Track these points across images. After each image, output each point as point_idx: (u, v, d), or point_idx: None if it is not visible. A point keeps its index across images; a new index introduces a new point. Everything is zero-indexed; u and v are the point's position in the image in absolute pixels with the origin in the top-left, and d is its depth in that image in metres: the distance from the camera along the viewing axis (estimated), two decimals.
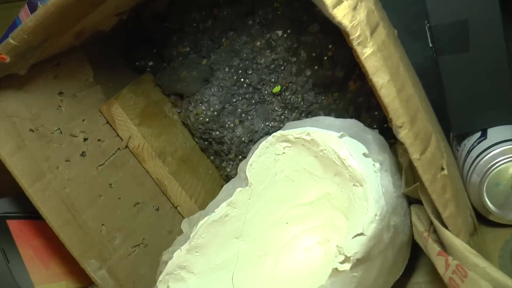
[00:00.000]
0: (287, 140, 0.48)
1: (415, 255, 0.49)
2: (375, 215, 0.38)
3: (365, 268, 0.39)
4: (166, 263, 0.47)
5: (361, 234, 0.38)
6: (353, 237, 0.38)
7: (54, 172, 0.48)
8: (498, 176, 0.44)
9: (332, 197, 0.49)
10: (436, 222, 0.35)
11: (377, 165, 0.41)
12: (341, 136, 0.43)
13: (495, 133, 0.46)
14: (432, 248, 0.35)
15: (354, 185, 0.42)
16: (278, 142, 0.48)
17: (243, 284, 0.50)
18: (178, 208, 0.59)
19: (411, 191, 0.41)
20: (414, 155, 0.32)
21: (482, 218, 0.46)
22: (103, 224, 0.50)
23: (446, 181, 0.34)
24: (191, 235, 0.48)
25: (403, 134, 0.32)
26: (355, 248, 0.38)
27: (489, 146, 0.45)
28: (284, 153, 0.49)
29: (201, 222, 0.48)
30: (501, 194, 0.44)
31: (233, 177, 0.53)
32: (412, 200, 0.45)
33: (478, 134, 0.47)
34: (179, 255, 0.47)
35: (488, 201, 0.45)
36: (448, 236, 0.33)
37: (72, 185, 0.49)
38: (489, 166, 0.44)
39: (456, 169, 0.45)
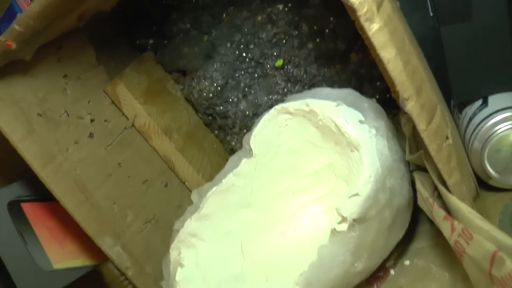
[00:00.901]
0: (288, 112, 0.49)
1: (418, 220, 0.51)
2: (370, 176, 0.40)
3: (363, 229, 0.40)
4: (178, 231, 0.49)
5: (357, 194, 0.39)
6: (349, 198, 0.40)
7: (64, 155, 0.49)
8: (499, 142, 0.45)
9: (334, 166, 0.51)
10: (442, 188, 0.36)
11: (373, 131, 0.43)
12: (337, 105, 0.45)
13: (496, 100, 0.47)
14: (437, 213, 0.37)
15: (351, 150, 0.44)
16: (280, 114, 0.50)
17: (252, 251, 0.52)
18: (185, 183, 0.60)
19: (415, 159, 0.42)
20: (421, 126, 0.33)
21: (483, 184, 0.47)
22: (114, 203, 0.51)
23: (451, 150, 0.35)
24: (201, 205, 0.50)
25: (410, 106, 0.33)
26: (351, 208, 0.39)
27: (490, 114, 0.46)
28: (286, 125, 0.51)
29: (210, 193, 0.50)
30: (501, 160, 0.45)
31: (238, 150, 0.54)
32: (413, 166, 0.46)
33: (480, 101, 0.48)
34: (189, 224, 0.49)
35: (489, 166, 0.46)
36: (454, 201, 0.34)
37: (82, 166, 0.50)
38: (490, 133, 0.45)
39: (458, 137, 0.46)
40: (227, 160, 0.54)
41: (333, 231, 0.40)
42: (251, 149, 0.51)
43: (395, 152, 0.43)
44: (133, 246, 0.50)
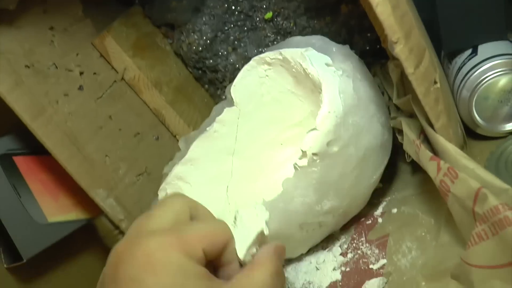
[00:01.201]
0: (266, 63, 0.51)
1: (406, 170, 0.52)
2: (329, 111, 0.40)
3: (326, 165, 0.41)
4: (166, 175, 0.50)
5: (315, 129, 0.40)
6: (307, 132, 0.40)
7: (54, 107, 0.49)
8: (487, 90, 0.45)
9: (316, 115, 0.52)
10: (430, 130, 0.37)
11: (339, 72, 0.44)
12: (305, 51, 0.46)
13: (485, 49, 0.47)
14: (424, 154, 0.37)
15: (319, 92, 0.44)
16: (259, 65, 0.52)
17: (236, 197, 0.53)
18: (176, 136, 0.60)
19: (403, 103, 0.43)
20: (409, 69, 0.33)
21: (470, 133, 0.48)
22: (106, 155, 0.51)
23: (439, 94, 0.35)
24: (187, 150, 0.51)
25: (399, 49, 0.33)
26: (309, 143, 0.40)
27: (479, 62, 0.46)
28: (267, 75, 0.52)
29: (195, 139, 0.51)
30: (489, 107, 0.46)
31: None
32: (396, 113, 0.47)
33: (469, 51, 0.48)
34: (176, 167, 0.50)
35: (476, 115, 0.46)
36: (441, 141, 0.35)
37: (73, 119, 0.50)
38: (479, 81, 0.45)
39: (447, 84, 0.47)
40: None
41: (295, 166, 0.41)
42: (232, 98, 0.52)
43: (363, 93, 0.43)
44: (126, 199, 0.51)
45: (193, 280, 0.31)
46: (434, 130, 0.36)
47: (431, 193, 0.46)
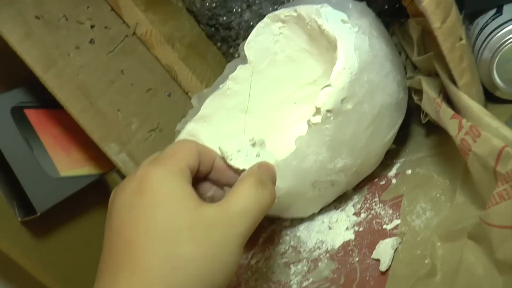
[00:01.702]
0: (281, 20, 0.50)
1: (419, 132, 0.51)
2: (344, 68, 0.40)
3: (339, 122, 0.40)
4: (179, 132, 0.50)
5: (329, 85, 0.40)
6: (321, 89, 0.40)
7: (65, 59, 0.48)
8: (510, 52, 0.44)
9: (330, 73, 0.51)
10: (453, 87, 0.36)
11: (355, 28, 0.43)
12: (321, 7, 0.45)
13: (511, 9, 0.45)
14: (445, 112, 0.36)
15: (333, 50, 0.43)
16: (273, 22, 0.51)
17: None
18: (188, 93, 0.59)
19: (423, 60, 0.42)
20: (435, 24, 0.32)
21: (489, 96, 0.47)
22: (118, 110, 0.51)
23: (464, 51, 0.34)
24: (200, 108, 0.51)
25: (426, 3, 0.32)
26: (323, 99, 0.40)
27: (503, 22, 0.44)
28: (281, 33, 0.51)
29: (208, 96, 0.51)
30: (510, 70, 0.45)
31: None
32: (413, 73, 0.47)
33: (493, 11, 0.46)
34: (189, 125, 0.50)
35: (497, 77, 0.45)
36: (464, 99, 0.34)
37: (85, 72, 0.49)
38: (502, 42, 0.44)
39: (469, 45, 0.45)
40: None
41: (309, 123, 0.41)
42: (245, 56, 0.51)
43: (379, 50, 0.43)
44: (138, 154, 0.51)
45: (181, 196, 0.32)
46: (457, 88, 0.35)
47: (446, 154, 0.45)
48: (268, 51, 0.51)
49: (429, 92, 0.40)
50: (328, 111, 0.40)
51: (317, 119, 0.40)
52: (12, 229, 0.51)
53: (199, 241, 0.31)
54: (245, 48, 0.50)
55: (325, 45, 0.47)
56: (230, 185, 0.40)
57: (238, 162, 0.39)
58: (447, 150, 0.46)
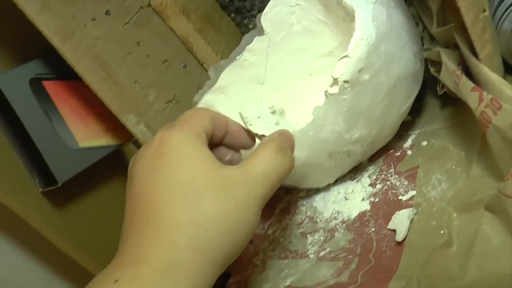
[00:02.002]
0: None
1: (434, 104, 0.51)
2: (361, 39, 0.39)
3: (356, 93, 0.41)
4: (196, 103, 0.50)
5: (347, 56, 0.40)
6: (339, 59, 0.40)
7: (82, 31, 0.48)
8: None
9: (346, 44, 0.50)
10: (473, 59, 0.35)
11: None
12: None
13: None
14: (465, 85, 0.36)
15: (350, 21, 0.43)
16: None
17: None
18: (204, 64, 0.59)
19: (443, 32, 0.42)
20: None
21: (508, 68, 0.47)
22: (136, 81, 0.51)
23: (487, 23, 0.34)
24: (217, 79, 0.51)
25: None
26: (341, 70, 0.40)
27: None
28: (297, 4, 0.51)
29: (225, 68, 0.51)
30: None
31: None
32: (429, 44, 0.46)
33: None
34: (206, 95, 0.50)
35: None
36: (486, 71, 0.34)
37: (101, 43, 0.49)
38: None
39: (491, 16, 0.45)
40: None
41: (326, 94, 0.41)
42: (262, 27, 0.51)
43: (396, 20, 0.42)
44: (155, 125, 0.51)
45: (201, 157, 0.32)
46: (478, 60, 0.35)
47: (462, 126, 0.45)
48: (284, 23, 0.51)
49: (448, 64, 0.40)
50: (345, 81, 0.40)
51: (335, 89, 0.40)
52: (33, 199, 0.52)
53: (220, 201, 0.32)
54: (261, 19, 0.50)
55: (342, 16, 0.46)
56: (245, 148, 0.41)
57: (257, 128, 0.39)
58: (462, 122, 0.46)
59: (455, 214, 0.37)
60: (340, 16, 0.47)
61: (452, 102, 0.48)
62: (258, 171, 0.34)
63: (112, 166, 0.61)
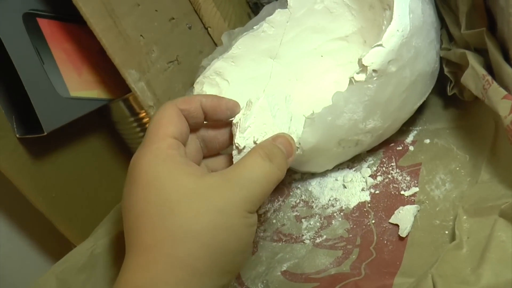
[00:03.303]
0: None
1: (436, 103, 0.51)
2: (397, 30, 0.39)
3: (381, 83, 0.40)
4: (204, 68, 0.48)
5: (380, 45, 0.39)
6: (372, 47, 0.39)
7: None
8: None
9: (365, 32, 0.51)
10: (506, 66, 0.35)
11: None
12: None
13: None
14: (495, 91, 0.36)
15: (384, 9, 0.42)
16: None
17: None
18: (209, 29, 0.56)
19: (472, 34, 0.41)
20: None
21: None
22: (141, 35, 0.47)
23: None
24: (230, 46, 0.49)
25: None
26: (372, 58, 0.39)
27: None
28: None
29: (240, 36, 0.49)
30: None
31: (263, 5, 0.54)
32: (447, 45, 0.46)
33: None
34: (216, 62, 0.48)
35: None
36: None
37: None
38: None
39: None
40: (248, 14, 0.52)
41: (351, 80, 0.40)
42: (286, 0, 0.50)
43: (428, 16, 0.42)
44: (156, 85, 0.48)
45: (173, 174, 0.32)
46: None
47: (466, 129, 0.46)
48: None
49: (477, 67, 0.39)
50: (374, 70, 0.39)
51: (361, 77, 0.39)
52: (8, 145, 0.48)
53: (197, 210, 0.30)
54: None
55: (370, 2, 0.45)
56: (225, 119, 0.39)
57: (240, 138, 0.38)
58: (467, 125, 0.46)
59: (464, 217, 0.37)
60: (367, 2, 0.46)
61: (455, 104, 0.49)
62: (242, 175, 0.33)
63: (95, 121, 0.57)
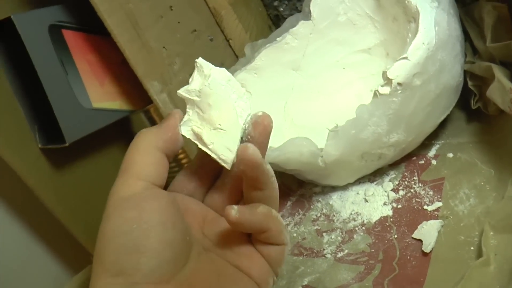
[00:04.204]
0: None
1: (459, 117, 0.50)
2: (423, 43, 0.39)
3: (405, 97, 0.40)
4: None
5: (406, 58, 0.39)
6: (397, 60, 0.39)
7: None
8: None
9: (388, 45, 0.51)
10: None
11: (435, 3, 0.41)
12: None
13: None
14: None
15: (409, 21, 0.42)
16: None
17: (293, 114, 0.53)
18: (230, 41, 0.57)
19: (499, 48, 0.41)
20: None
21: None
22: (164, 47, 0.48)
23: None
24: (253, 58, 0.50)
25: None
26: (398, 71, 0.39)
27: None
28: None
29: (263, 48, 0.50)
30: None
31: (284, 17, 0.54)
32: (470, 58, 0.45)
33: None
34: (239, 73, 0.49)
35: None
36: None
37: (135, 1, 0.46)
38: None
39: None
40: (269, 26, 0.52)
41: (376, 93, 0.40)
42: (310, 12, 0.50)
43: (454, 29, 0.42)
44: (178, 97, 0.48)
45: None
46: None
47: (491, 144, 0.45)
48: (331, 11, 0.50)
49: (504, 81, 0.39)
50: (399, 83, 0.39)
51: (386, 90, 0.39)
52: (30, 155, 0.48)
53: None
54: (311, 4, 0.49)
55: (394, 14, 0.45)
56: None
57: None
58: (491, 140, 0.46)
59: (491, 233, 0.36)
60: (391, 14, 0.46)
61: (479, 117, 0.48)
62: None
63: (116, 132, 0.57)
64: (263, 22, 0.60)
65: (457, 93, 0.45)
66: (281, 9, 0.60)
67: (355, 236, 0.43)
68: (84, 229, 0.53)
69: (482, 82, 0.45)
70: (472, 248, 0.37)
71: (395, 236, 0.41)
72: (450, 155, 0.46)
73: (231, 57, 0.54)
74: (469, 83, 0.46)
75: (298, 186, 0.52)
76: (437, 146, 0.49)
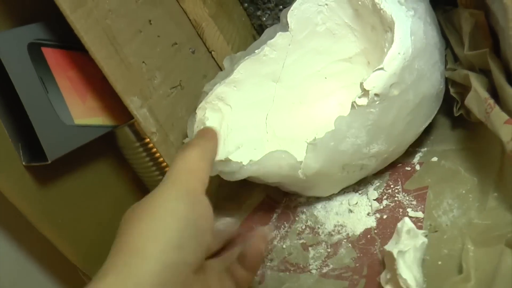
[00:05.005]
0: None
1: (444, 123, 0.50)
2: (398, 53, 0.39)
3: (383, 107, 0.40)
4: (206, 93, 0.48)
5: (382, 69, 0.38)
6: (373, 71, 0.39)
7: (94, 1, 0.44)
8: None
9: (369, 53, 0.50)
10: (510, 89, 0.34)
11: (411, 12, 0.41)
12: None
13: None
14: (498, 116, 0.35)
15: (385, 31, 0.42)
16: None
17: (275, 125, 0.53)
18: (212, 52, 0.56)
19: (476, 55, 0.41)
20: None
21: None
22: (143, 62, 0.48)
23: None
24: (232, 71, 0.49)
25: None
26: (374, 82, 0.39)
27: None
28: (326, 4, 0.49)
29: (242, 60, 0.50)
30: None
31: (267, 27, 0.53)
32: (453, 66, 0.45)
33: None
34: (218, 87, 0.48)
35: None
36: None
37: (113, 17, 0.45)
38: None
39: None
40: (253, 36, 0.51)
41: (353, 104, 0.40)
42: (287, 23, 0.50)
43: (431, 37, 0.42)
44: (159, 111, 0.48)
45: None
46: None
47: (474, 151, 0.45)
48: (309, 21, 0.50)
49: (479, 90, 0.38)
50: (376, 94, 0.38)
51: (363, 101, 0.39)
52: (15, 173, 0.48)
53: None
54: (288, 15, 0.48)
55: (372, 23, 0.45)
56: None
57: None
58: (475, 147, 0.45)
59: (472, 247, 0.36)
60: (369, 23, 0.45)
61: (463, 124, 0.48)
62: None
63: (101, 148, 0.57)
64: (247, 32, 0.60)
65: (438, 101, 0.45)
66: (264, 18, 0.59)
67: (340, 250, 0.43)
68: (71, 244, 0.53)
69: (463, 89, 0.45)
70: (455, 262, 0.37)
71: (380, 249, 0.41)
72: (434, 162, 0.46)
73: (214, 69, 0.54)
74: (451, 90, 0.46)
75: (283, 197, 0.52)
76: (421, 153, 0.48)
